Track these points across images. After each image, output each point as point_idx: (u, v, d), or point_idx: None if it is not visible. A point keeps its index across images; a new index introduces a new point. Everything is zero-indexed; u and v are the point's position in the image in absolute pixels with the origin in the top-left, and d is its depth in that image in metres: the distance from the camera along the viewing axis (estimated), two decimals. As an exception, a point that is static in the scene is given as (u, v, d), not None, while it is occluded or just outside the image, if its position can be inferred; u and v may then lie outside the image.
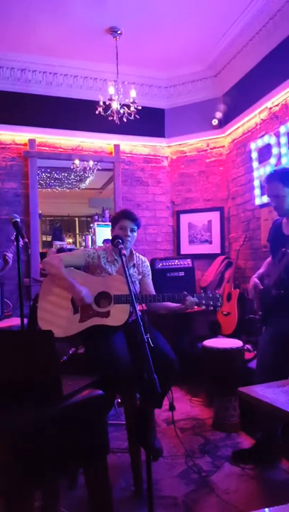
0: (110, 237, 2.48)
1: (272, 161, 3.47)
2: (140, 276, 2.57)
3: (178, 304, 2.33)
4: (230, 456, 2.40)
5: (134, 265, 2.52)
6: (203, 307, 2.30)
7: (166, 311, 2.50)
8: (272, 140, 3.48)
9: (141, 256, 2.63)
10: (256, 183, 3.78)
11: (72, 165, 4.60)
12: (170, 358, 2.19)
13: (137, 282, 2.54)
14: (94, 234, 5.30)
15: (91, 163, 4.59)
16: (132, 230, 2.46)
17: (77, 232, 8.15)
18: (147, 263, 2.64)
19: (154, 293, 2.52)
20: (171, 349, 2.25)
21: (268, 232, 2.63)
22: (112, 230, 2.52)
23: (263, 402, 1.56)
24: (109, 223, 2.61)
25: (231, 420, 2.78)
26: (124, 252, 2.12)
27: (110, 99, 3.63)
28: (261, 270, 2.60)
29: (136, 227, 2.48)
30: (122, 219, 2.45)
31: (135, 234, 2.50)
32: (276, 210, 2.42)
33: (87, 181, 5.73)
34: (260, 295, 2.45)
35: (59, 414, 1.41)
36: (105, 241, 4.97)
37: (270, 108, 3.57)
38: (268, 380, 1.87)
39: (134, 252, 2.58)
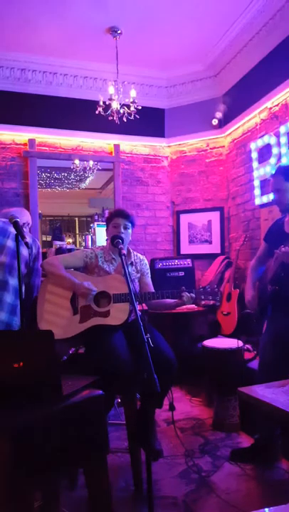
0: (107, 238, 2.49)
1: (272, 161, 3.47)
2: (139, 275, 2.55)
3: (176, 300, 2.33)
4: (229, 455, 2.41)
5: (132, 263, 2.51)
6: (203, 302, 2.29)
7: (166, 309, 2.50)
8: (272, 140, 3.47)
9: (139, 254, 2.61)
10: (256, 183, 3.78)
11: (72, 165, 4.60)
12: (170, 358, 2.19)
13: (136, 281, 2.53)
14: (94, 234, 5.29)
15: (91, 163, 4.59)
16: (126, 228, 2.43)
17: (77, 232, 8.14)
18: (146, 261, 2.62)
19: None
20: (171, 349, 2.25)
21: (267, 230, 2.63)
22: (107, 230, 2.51)
23: (262, 402, 1.56)
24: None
25: (231, 420, 2.78)
26: (124, 251, 2.12)
27: (110, 99, 3.63)
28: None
29: (130, 224, 2.46)
30: (115, 217, 2.44)
31: (129, 231, 2.47)
32: (277, 205, 2.43)
33: (87, 181, 5.73)
34: (258, 290, 2.46)
35: (59, 414, 1.41)
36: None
37: (270, 108, 3.57)
38: (269, 380, 1.87)
39: (131, 250, 2.58)
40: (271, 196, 2.50)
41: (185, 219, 4.69)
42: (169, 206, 4.80)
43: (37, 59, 4.03)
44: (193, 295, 2.29)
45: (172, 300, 2.34)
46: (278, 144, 3.40)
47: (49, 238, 7.04)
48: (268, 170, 3.54)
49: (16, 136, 4.21)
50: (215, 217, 4.53)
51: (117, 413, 3.01)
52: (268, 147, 3.56)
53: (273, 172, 2.45)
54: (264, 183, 3.66)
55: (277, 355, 2.25)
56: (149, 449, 1.64)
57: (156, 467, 2.27)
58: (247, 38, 3.65)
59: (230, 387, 2.69)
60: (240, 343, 2.89)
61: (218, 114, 4.39)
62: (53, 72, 4.18)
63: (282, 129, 3.31)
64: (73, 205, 7.41)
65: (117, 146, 4.53)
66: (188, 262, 4.14)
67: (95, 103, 3.62)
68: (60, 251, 4.57)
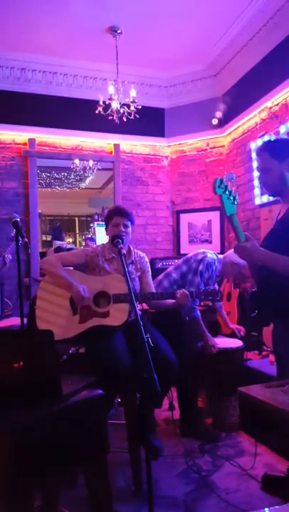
0: (107, 238, 2.48)
1: (272, 160, 3.46)
2: (139, 273, 2.53)
3: (173, 300, 2.32)
4: (261, 482, 2.15)
5: (132, 262, 2.49)
6: (202, 303, 2.29)
7: (166, 308, 2.49)
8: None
9: (139, 252, 2.59)
10: (256, 182, 3.78)
11: (72, 164, 4.60)
12: (170, 358, 2.19)
13: (137, 279, 2.50)
14: (94, 233, 5.31)
15: (91, 162, 4.59)
16: (126, 226, 2.40)
17: (77, 231, 8.14)
18: (146, 259, 2.59)
19: (154, 291, 2.51)
20: (170, 349, 2.25)
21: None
22: (107, 230, 2.49)
23: (262, 401, 1.56)
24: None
25: (231, 420, 2.78)
26: (124, 251, 2.11)
27: (110, 99, 3.63)
28: None
29: (129, 222, 2.42)
30: (114, 216, 2.41)
31: (130, 229, 2.44)
32: (265, 187, 2.15)
33: (87, 181, 5.73)
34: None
35: (59, 414, 1.41)
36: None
37: (270, 108, 3.57)
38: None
39: (132, 248, 2.55)
40: (271, 196, 2.37)
41: (185, 219, 4.69)
42: (169, 206, 4.80)
43: (37, 59, 4.03)
44: (186, 291, 2.27)
45: (171, 301, 2.34)
46: (278, 144, 3.40)
47: (49, 238, 7.04)
48: (267, 170, 3.53)
49: (16, 135, 4.21)
50: (215, 216, 4.53)
51: (117, 413, 3.00)
52: (267, 147, 3.55)
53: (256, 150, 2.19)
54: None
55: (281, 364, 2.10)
56: (149, 447, 1.64)
57: (156, 467, 2.26)
58: (247, 37, 3.65)
59: (230, 387, 2.69)
60: (240, 343, 2.89)
61: (218, 114, 4.39)
62: (53, 72, 4.17)
63: (282, 129, 3.31)
64: (73, 205, 7.40)
65: (116, 146, 4.53)
66: (188, 262, 4.13)
67: (95, 103, 3.62)
68: (58, 250, 4.57)
